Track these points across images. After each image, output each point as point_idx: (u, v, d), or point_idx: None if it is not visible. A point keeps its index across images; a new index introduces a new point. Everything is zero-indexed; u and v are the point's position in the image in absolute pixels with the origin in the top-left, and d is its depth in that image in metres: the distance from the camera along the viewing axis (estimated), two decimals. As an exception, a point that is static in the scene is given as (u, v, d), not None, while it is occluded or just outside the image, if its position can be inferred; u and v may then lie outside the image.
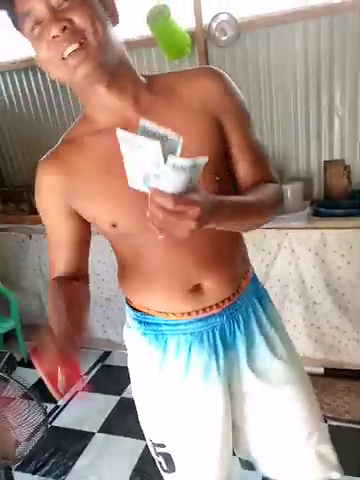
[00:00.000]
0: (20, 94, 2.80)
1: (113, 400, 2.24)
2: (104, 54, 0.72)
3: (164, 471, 1.05)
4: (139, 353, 1.00)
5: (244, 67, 2.27)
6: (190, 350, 0.93)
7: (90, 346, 2.67)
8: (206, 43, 2.27)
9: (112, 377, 2.43)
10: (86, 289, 0.92)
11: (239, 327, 0.95)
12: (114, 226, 0.83)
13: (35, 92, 2.75)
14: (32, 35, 0.72)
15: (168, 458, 1.01)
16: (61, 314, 0.76)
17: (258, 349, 0.97)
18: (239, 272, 0.97)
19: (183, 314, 0.91)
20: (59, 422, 2.15)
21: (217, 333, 0.93)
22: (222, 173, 0.86)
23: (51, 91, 2.70)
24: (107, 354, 2.64)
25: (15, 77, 2.75)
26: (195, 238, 0.78)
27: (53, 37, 0.69)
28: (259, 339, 0.97)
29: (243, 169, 0.88)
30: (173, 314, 0.92)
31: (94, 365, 2.56)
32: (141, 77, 0.84)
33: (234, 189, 0.91)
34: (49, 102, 2.74)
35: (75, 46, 0.69)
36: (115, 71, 0.76)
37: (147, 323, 0.95)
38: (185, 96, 0.82)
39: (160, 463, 1.05)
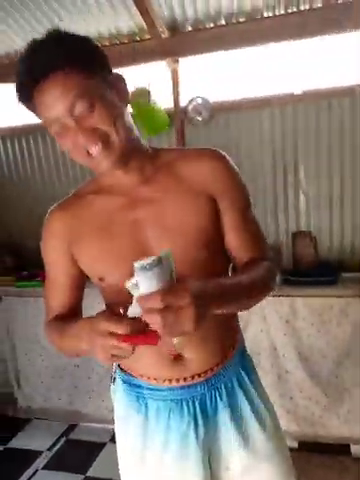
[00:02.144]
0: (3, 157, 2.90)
1: (76, 479, 2.07)
2: (125, 147, 0.81)
3: None
4: (123, 413, 0.99)
5: (216, 145, 2.45)
6: (169, 417, 0.92)
7: (54, 418, 2.52)
8: (183, 122, 2.47)
9: (77, 453, 2.27)
10: None
11: (221, 398, 0.94)
12: (101, 279, 0.87)
13: (19, 157, 2.85)
14: (54, 128, 0.78)
15: None
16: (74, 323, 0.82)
17: (245, 421, 0.96)
18: (225, 344, 0.96)
19: (164, 381, 0.92)
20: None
21: (197, 403, 0.93)
22: (215, 249, 0.89)
23: (35, 158, 2.81)
24: (73, 427, 2.48)
25: (6, 142, 2.87)
26: None
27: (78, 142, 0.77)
28: (246, 410, 0.96)
29: (237, 248, 0.91)
30: (155, 379, 0.92)
31: (58, 439, 2.39)
32: (148, 148, 0.91)
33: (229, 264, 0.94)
34: (33, 167, 2.83)
35: (100, 146, 0.77)
36: (130, 154, 0.84)
37: (130, 384, 0.96)
38: (184, 173, 0.88)
39: None
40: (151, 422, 0.94)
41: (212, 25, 2.21)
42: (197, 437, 0.92)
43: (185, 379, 0.92)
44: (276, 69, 2.29)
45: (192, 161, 0.90)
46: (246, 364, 1.01)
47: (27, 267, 2.73)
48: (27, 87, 0.76)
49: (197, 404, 0.93)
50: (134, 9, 2.04)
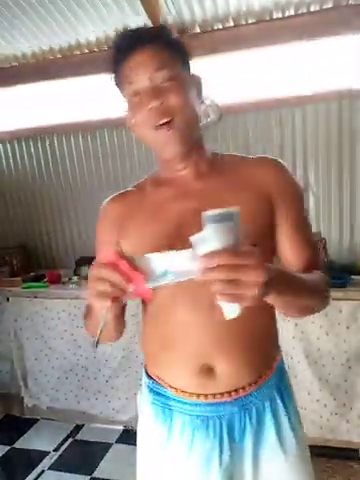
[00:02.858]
0: (6, 161, 2.92)
1: (82, 481, 2.07)
2: (187, 133, 0.85)
3: None
4: (147, 424, 0.95)
5: (224, 147, 2.45)
6: (194, 434, 0.87)
7: (61, 419, 2.52)
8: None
9: (83, 454, 2.27)
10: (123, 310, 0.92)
11: (251, 421, 0.88)
12: None
13: (27, 159, 2.87)
14: (132, 100, 0.84)
15: None
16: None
17: (270, 449, 0.89)
18: (261, 360, 0.90)
19: (192, 394, 0.87)
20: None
21: (224, 424, 0.87)
22: (262, 251, 0.87)
23: (42, 161, 2.82)
24: (79, 428, 2.49)
25: (14, 145, 2.89)
26: (215, 314, 0.69)
27: (150, 108, 0.82)
28: (273, 439, 0.89)
29: (292, 255, 0.89)
30: (182, 391, 0.88)
31: (64, 440, 2.39)
32: (208, 150, 0.94)
33: None
34: (40, 171, 2.85)
35: (166, 119, 0.82)
36: (191, 146, 0.87)
37: (157, 393, 0.92)
38: (243, 174, 0.90)
39: None
40: (174, 438, 0.89)
41: (220, 26, 2.21)
42: (221, 463, 0.87)
43: (214, 396, 0.87)
44: (285, 70, 2.27)
45: (253, 164, 0.92)
46: (282, 387, 0.94)
47: (34, 269, 2.76)
48: (119, 56, 0.83)
49: (224, 425, 0.87)
50: (142, 10, 2.04)
